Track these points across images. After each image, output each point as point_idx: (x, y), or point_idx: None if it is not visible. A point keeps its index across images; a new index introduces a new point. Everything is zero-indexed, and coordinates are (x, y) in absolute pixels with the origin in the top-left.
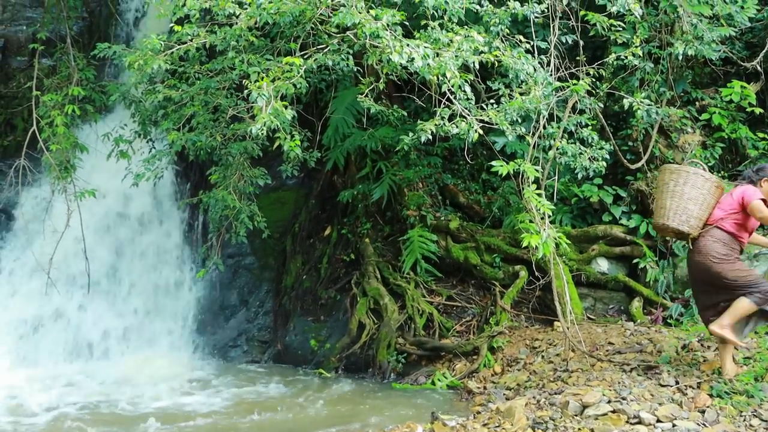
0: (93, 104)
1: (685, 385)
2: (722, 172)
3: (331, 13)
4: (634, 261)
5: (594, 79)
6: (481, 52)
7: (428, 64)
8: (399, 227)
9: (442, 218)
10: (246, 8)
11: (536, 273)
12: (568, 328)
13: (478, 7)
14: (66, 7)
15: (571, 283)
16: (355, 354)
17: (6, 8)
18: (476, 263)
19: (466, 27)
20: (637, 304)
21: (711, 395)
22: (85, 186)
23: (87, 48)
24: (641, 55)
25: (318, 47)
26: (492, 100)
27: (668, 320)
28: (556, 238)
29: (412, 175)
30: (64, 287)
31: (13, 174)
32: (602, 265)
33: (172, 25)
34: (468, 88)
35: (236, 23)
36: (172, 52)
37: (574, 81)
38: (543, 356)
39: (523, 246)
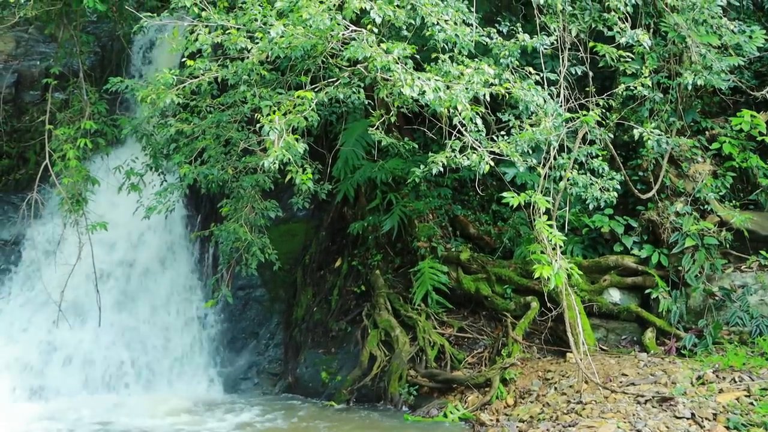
0: (105, 137)
1: (702, 417)
2: (733, 202)
3: (342, 46)
4: (647, 291)
5: (603, 110)
6: (492, 84)
7: (439, 97)
8: (409, 259)
9: (453, 249)
10: (257, 42)
11: (548, 304)
12: (581, 360)
13: (487, 39)
14: (79, 42)
15: (583, 313)
16: (366, 386)
17: (20, 44)
18: (487, 294)
19: (476, 59)
20: (650, 335)
21: (728, 427)
22: (97, 219)
23: (99, 82)
24: (650, 85)
25: (329, 80)
26: (502, 132)
27: (682, 351)
28: (567, 269)
29: (422, 207)
30: (74, 320)
31: (26, 207)
32: (614, 295)
33: (184, 59)
34: (479, 120)
35: (248, 57)
36: (184, 86)
37: (584, 112)
38: (556, 388)
39: (535, 277)
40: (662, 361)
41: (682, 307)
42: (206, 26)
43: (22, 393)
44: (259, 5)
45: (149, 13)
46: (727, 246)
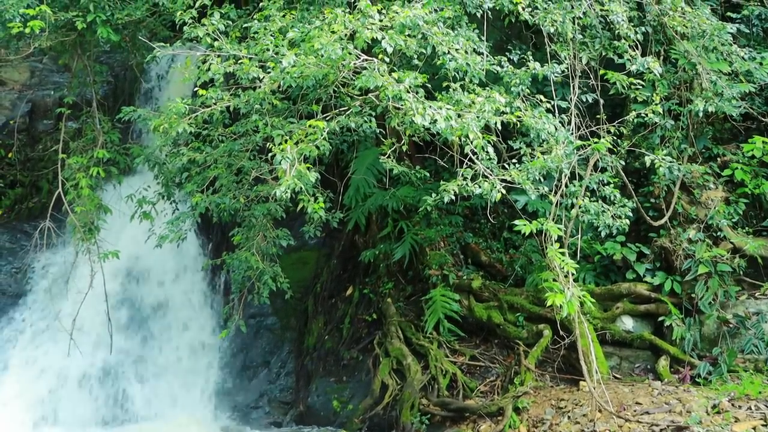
0: (117, 166)
1: None
2: (747, 228)
3: (354, 76)
4: (660, 319)
5: (615, 137)
6: (503, 112)
7: (451, 126)
8: (421, 287)
9: (465, 277)
10: (269, 72)
11: (560, 332)
12: (594, 388)
13: (498, 68)
14: (92, 72)
15: (596, 341)
16: (378, 415)
17: (34, 74)
18: (499, 322)
19: (487, 88)
20: (663, 363)
21: None
22: (109, 247)
23: (112, 111)
24: (661, 112)
25: (340, 109)
26: (514, 160)
27: (696, 379)
28: (580, 297)
29: (433, 235)
30: (86, 348)
31: (38, 235)
32: (627, 323)
33: (196, 89)
34: (490, 149)
35: (260, 87)
36: (197, 116)
37: (595, 139)
38: (569, 417)
39: (547, 305)
40: (676, 390)
41: (695, 335)
42: (218, 56)
43: (33, 421)
44: (271, 35)
45: (162, 43)
46: (741, 273)
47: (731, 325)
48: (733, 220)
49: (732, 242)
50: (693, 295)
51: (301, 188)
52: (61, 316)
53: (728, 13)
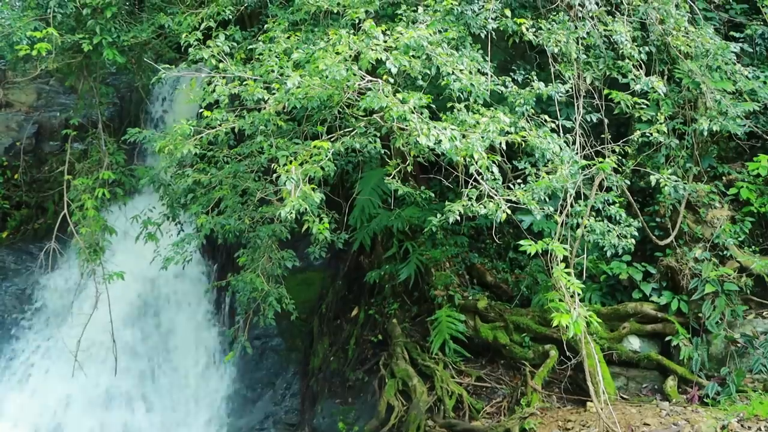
0: (122, 187)
1: None
2: (753, 247)
3: (359, 97)
4: (667, 338)
5: (619, 157)
6: (507, 132)
7: (455, 146)
8: (426, 307)
9: (470, 298)
10: (274, 93)
11: (567, 352)
12: (601, 409)
13: (502, 88)
14: (98, 93)
15: (603, 362)
16: None
17: (41, 95)
18: (505, 343)
19: (491, 108)
20: (671, 383)
21: None
22: (115, 268)
23: (118, 132)
24: (666, 131)
25: (345, 130)
26: (519, 180)
27: (705, 399)
28: (586, 317)
29: (438, 255)
30: (90, 369)
31: (44, 256)
32: (634, 343)
33: (201, 110)
34: (495, 169)
35: (265, 108)
36: (202, 137)
37: (600, 159)
38: None
39: (553, 325)
40: (685, 410)
41: (703, 355)
42: (223, 77)
43: None
44: (276, 56)
45: (167, 65)
46: (748, 292)
47: (739, 345)
48: (740, 238)
49: (738, 261)
50: (700, 315)
51: (306, 209)
52: (66, 337)
53: (731, 33)
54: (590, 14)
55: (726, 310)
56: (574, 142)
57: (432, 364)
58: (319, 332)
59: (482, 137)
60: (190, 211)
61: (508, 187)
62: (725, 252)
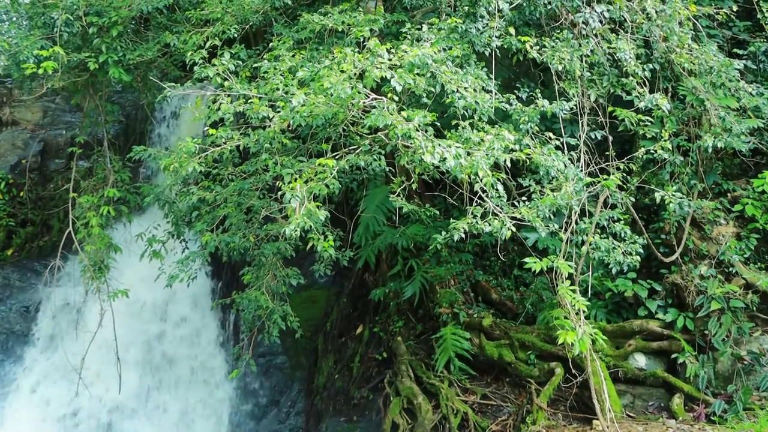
0: (127, 205)
1: None
2: (759, 264)
3: (363, 114)
4: (673, 356)
5: (624, 174)
6: (512, 150)
7: (460, 164)
8: (431, 325)
9: (475, 315)
10: (279, 111)
11: (572, 370)
12: (607, 427)
13: (507, 105)
14: (104, 111)
15: (609, 379)
16: None
17: (47, 113)
18: (511, 360)
19: (496, 125)
20: (677, 401)
21: None
22: (119, 286)
23: (123, 150)
24: (670, 148)
25: (350, 148)
26: (523, 197)
27: (711, 417)
28: (591, 334)
29: (443, 273)
30: (94, 387)
31: (48, 274)
32: (640, 360)
33: (206, 128)
34: (500, 186)
35: (269, 126)
36: (207, 155)
37: (605, 176)
38: None
39: (559, 342)
40: (692, 428)
41: (710, 372)
42: (228, 95)
43: None
44: (281, 75)
45: (173, 83)
46: (754, 309)
47: (746, 362)
48: (745, 255)
49: (744, 278)
50: (706, 332)
51: (310, 227)
52: (70, 355)
53: (735, 50)
54: (594, 32)
55: (732, 327)
56: (578, 160)
57: (437, 382)
58: (324, 350)
59: (487, 155)
60: (195, 229)
61: (513, 205)
62: (731, 269)
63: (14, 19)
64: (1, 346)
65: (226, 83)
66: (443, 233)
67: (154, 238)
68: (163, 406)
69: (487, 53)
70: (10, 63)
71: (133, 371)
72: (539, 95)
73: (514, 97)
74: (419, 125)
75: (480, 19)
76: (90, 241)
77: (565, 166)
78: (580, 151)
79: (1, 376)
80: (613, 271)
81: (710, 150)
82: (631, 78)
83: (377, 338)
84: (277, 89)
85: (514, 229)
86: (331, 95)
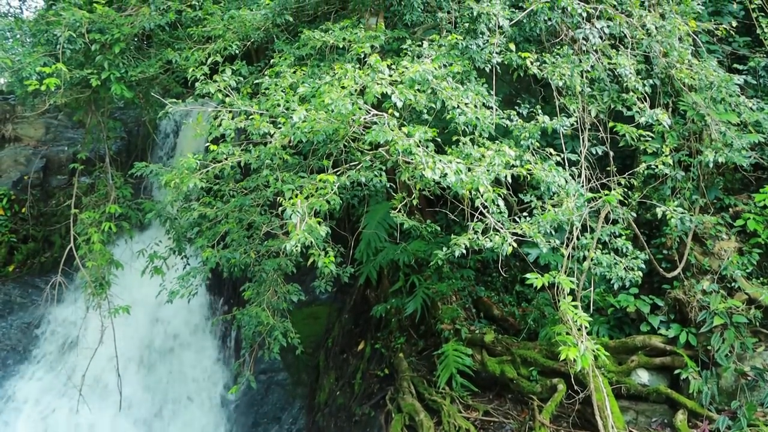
0: (129, 221)
1: None
2: (761, 279)
3: (364, 130)
4: (676, 372)
5: (625, 189)
6: (513, 165)
7: (461, 179)
8: (433, 341)
9: (477, 331)
10: (280, 127)
11: (575, 386)
12: None
13: (507, 121)
14: (106, 128)
15: (612, 395)
16: None
17: (49, 130)
18: (513, 377)
19: (496, 141)
20: (681, 417)
21: None
22: (121, 302)
23: (125, 166)
24: (671, 163)
25: (351, 164)
26: (524, 213)
27: None
28: (594, 350)
29: (445, 289)
30: (95, 403)
31: (49, 290)
32: (642, 376)
33: (207, 144)
34: (501, 202)
35: (270, 142)
36: (208, 171)
37: (606, 191)
38: None
39: (561, 359)
40: None
41: (713, 388)
42: (230, 112)
43: None
44: (282, 91)
45: (174, 100)
46: (757, 324)
47: (750, 378)
48: (747, 270)
49: (747, 293)
50: (709, 348)
51: (311, 243)
52: (71, 371)
53: (735, 65)
54: (594, 48)
55: (735, 343)
56: (579, 175)
57: (439, 398)
58: (325, 366)
59: (488, 170)
60: (196, 245)
61: (514, 220)
62: (733, 284)
63: (18, 36)
64: (2, 363)
65: (227, 99)
66: (444, 249)
67: (156, 254)
68: (162, 421)
69: (487, 69)
70: (14, 80)
71: (133, 386)
72: (540, 111)
73: (515, 113)
74: (420, 141)
75: (480, 36)
76: (91, 257)
77: (566, 181)
78: (581, 167)
79: (0, 393)
80: (615, 286)
81: (711, 165)
82: (631, 93)
83: (379, 354)
84: (278, 105)
85: (515, 245)
86: (332, 111)
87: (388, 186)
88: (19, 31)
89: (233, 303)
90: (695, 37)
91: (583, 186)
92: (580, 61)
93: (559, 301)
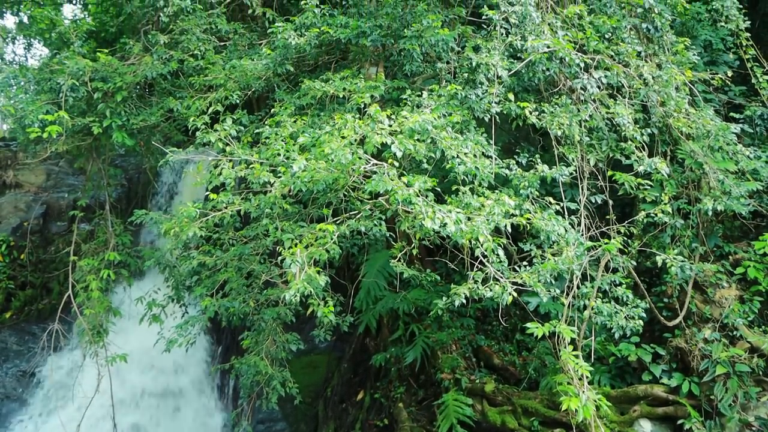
0: (128, 269)
1: None
2: (763, 327)
3: (364, 180)
4: (679, 422)
5: (625, 237)
6: (512, 215)
7: (461, 229)
8: (433, 391)
9: (477, 381)
10: (280, 176)
11: None
12: None
13: (507, 171)
14: (107, 175)
15: None
16: None
17: (50, 176)
18: (514, 427)
19: (496, 190)
20: None
21: None
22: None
23: (124, 213)
24: (670, 211)
25: (351, 213)
26: (524, 262)
27: None
28: (595, 400)
29: (445, 338)
30: None
31: (46, 338)
32: (645, 426)
33: (207, 192)
34: (501, 251)
35: (270, 191)
36: (207, 219)
37: (606, 240)
38: None
39: (562, 409)
40: None
41: None
42: (230, 160)
43: None
44: (282, 140)
45: (175, 148)
46: (760, 373)
47: (754, 428)
48: (749, 318)
49: (749, 341)
50: (712, 397)
51: (311, 292)
52: (67, 420)
53: (731, 114)
54: (592, 97)
55: (739, 392)
56: (579, 224)
57: None
58: (324, 416)
59: (487, 220)
60: (195, 293)
61: (514, 269)
62: (735, 332)
63: (22, 84)
64: None
65: (228, 148)
66: (444, 298)
67: (154, 302)
68: None
69: (486, 119)
70: (16, 127)
71: None
72: (539, 160)
73: (514, 162)
74: (420, 190)
75: (479, 86)
76: (89, 305)
77: (566, 230)
78: (580, 216)
79: None
80: (616, 335)
81: (710, 213)
82: (629, 142)
83: (378, 404)
84: (279, 154)
85: (515, 294)
86: (332, 161)
87: (388, 235)
88: (24, 78)
89: (232, 352)
90: (692, 86)
91: (582, 234)
92: (579, 111)
93: (559, 350)
